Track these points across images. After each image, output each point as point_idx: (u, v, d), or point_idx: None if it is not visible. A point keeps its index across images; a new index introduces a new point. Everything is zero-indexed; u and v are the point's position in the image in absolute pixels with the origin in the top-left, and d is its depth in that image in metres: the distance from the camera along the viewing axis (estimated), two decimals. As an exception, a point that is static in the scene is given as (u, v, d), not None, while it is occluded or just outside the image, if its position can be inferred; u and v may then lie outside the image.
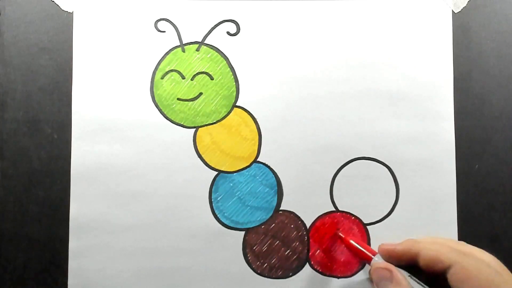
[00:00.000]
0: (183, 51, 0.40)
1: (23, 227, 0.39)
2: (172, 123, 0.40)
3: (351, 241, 0.38)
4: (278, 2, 0.40)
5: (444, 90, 0.40)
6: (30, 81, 0.40)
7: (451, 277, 0.32)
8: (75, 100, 0.40)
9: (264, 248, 0.39)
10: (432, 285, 0.33)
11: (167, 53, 0.40)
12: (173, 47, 0.40)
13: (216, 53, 0.40)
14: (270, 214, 0.40)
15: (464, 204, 0.39)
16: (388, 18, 0.40)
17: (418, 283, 0.34)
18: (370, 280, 0.38)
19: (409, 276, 0.34)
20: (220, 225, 0.39)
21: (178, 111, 0.40)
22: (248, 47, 0.40)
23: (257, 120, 0.40)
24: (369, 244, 0.39)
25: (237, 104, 0.40)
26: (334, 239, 0.39)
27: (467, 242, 0.35)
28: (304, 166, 0.40)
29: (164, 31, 0.40)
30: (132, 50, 0.40)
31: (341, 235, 0.39)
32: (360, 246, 0.37)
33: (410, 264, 0.35)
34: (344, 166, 0.40)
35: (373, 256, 0.36)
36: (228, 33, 0.40)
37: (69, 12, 0.40)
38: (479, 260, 0.32)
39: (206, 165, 0.40)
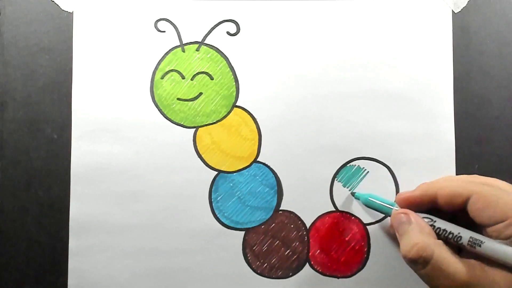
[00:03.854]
0: (183, 51, 0.40)
1: (23, 227, 0.39)
2: (172, 123, 0.40)
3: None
4: (278, 2, 0.40)
5: (444, 90, 0.40)
6: (30, 81, 0.40)
7: (471, 207, 0.32)
8: (75, 100, 0.40)
9: (264, 248, 0.39)
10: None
11: (167, 53, 0.40)
12: (173, 47, 0.40)
13: (216, 53, 0.40)
14: (270, 214, 0.40)
15: (464, 204, 0.39)
16: (388, 18, 0.40)
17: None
18: (392, 234, 0.38)
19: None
20: (220, 225, 0.39)
21: (178, 111, 0.40)
22: (248, 47, 0.40)
23: (257, 120, 0.40)
24: (369, 244, 0.39)
25: (237, 104, 0.40)
26: (334, 239, 0.39)
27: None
28: (304, 166, 0.40)
29: (164, 31, 0.40)
30: (132, 50, 0.40)
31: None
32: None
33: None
34: (344, 166, 0.40)
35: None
36: (228, 33, 0.40)
37: (69, 12, 0.40)
38: (496, 187, 0.32)
39: (206, 165, 0.40)
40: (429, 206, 0.35)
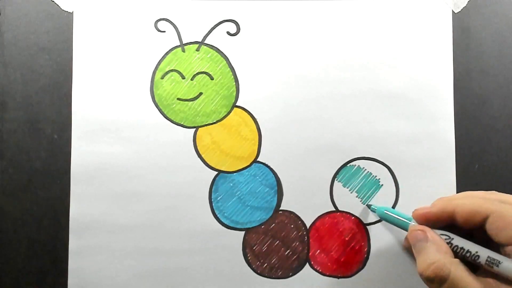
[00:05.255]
0: (183, 51, 0.40)
1: (23, 227, 0.39)
2: (172, 123, 0.40)
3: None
4: (278, 2, 0.40)
5: (444, 90, 0.40)
6: (30, 81, 0.40)
7: (490, 226, 0.32)
8: (75, 100, 0.40)
9: (264, 248, 0.39)
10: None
11: (167, 53, 0.40)
12: (173, 47, 0.40)
13: (216, 53, 0.40)
14: (270, 214, 0.40)
15: (464, 204, 0.39)
16: (388, 18, 0.40)
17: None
18: (406, 247, 0.38)
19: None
20: (220, 225, 0.39)
21: (178, 111, 0.40)
22: (248, 47, 0.40)
23: (257, 120, 0.40)
24: (369, 244, 0.39)
25: (237, 104, 0.40)
26: (334, 239, 0.39)
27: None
28: (304, 166, 0.40)
29: (164, 31, 0.40)
30: (132, 50, 0.40)
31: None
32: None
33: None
34: (344, 166, 0.40)
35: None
36: (228, 33, 0.40)
37: (69, 12, 0.40)
38: None
39: (206, 165, 0.40)
40: (446, 223, 0.34)
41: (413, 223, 0.36)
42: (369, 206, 0.39)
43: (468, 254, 0.32)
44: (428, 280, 0.32)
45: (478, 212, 0.32)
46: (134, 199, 0.39)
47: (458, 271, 0.31)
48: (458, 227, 0.34)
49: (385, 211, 0.38)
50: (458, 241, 0.33)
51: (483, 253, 0.32)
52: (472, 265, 0.32)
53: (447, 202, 0.34)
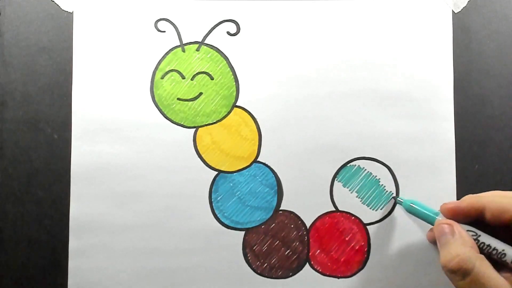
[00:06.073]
0: (183, 51, 0.40)
1: (23, 227, 0.39)
2: (172, 123, 0.40)
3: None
4: (278, 2, 0.40)
5: (444, 90, 0.40)
6: (30, 81, 0.40)
7: None
8: (75, 100, 0.40)
9: (264, 248, 0.39)
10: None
11: (167, 53, 0.40)
12: (173, 47, 0.40)
13: (216, 53, 0.40)
14: (270, 214, 0.40)
15: (464, 204, 0.39)
16: (388, 18, 0.40)
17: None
18: (430, 240, 0.38)
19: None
20: (220, 225, 0.39)
21: (178, 111, 0.40)
22: (248, 47, 0.40)
23: (257, 120, 0.40)
24: (369, 244, 0.39)
25: (237, 104, 0.40)
26: (334, 239, 0.39)
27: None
28: (304, 166, 0.40)
29: (164, 31, 0.40)
30: (132, 50, 0.40)
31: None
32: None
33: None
34: (344, 166, 0.40)
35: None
36: (228, 33, 0.40)
37: (69, 12, 0.40)
38: None
39: (206, 165, 0.40)
40: (473, 219, 0.34)
41: (440, 218, 0.35)
42: (395, 198, 0.39)
43: (494, 252, 0.32)
44: (451, 272, 0.31)
45: (508, 210, 0.32)
46: (134, 199, 0.39)
47: (483, 266, 0.31)
48: (484, 225, 0.34)
49: (411, 204, 0.37)
50: (485, 238, 0.33)
51: (510, 252, 0.32)
52: (496, 264, 0.32)
53: (476, 198, 0.34)
